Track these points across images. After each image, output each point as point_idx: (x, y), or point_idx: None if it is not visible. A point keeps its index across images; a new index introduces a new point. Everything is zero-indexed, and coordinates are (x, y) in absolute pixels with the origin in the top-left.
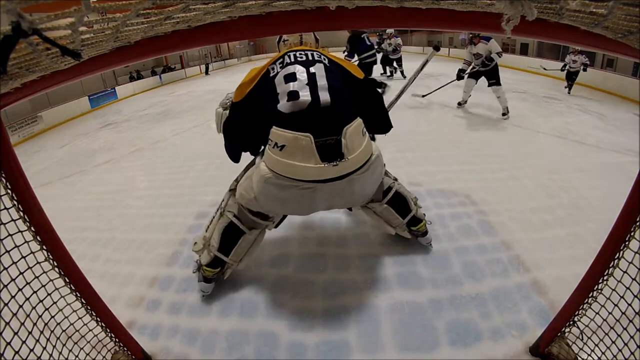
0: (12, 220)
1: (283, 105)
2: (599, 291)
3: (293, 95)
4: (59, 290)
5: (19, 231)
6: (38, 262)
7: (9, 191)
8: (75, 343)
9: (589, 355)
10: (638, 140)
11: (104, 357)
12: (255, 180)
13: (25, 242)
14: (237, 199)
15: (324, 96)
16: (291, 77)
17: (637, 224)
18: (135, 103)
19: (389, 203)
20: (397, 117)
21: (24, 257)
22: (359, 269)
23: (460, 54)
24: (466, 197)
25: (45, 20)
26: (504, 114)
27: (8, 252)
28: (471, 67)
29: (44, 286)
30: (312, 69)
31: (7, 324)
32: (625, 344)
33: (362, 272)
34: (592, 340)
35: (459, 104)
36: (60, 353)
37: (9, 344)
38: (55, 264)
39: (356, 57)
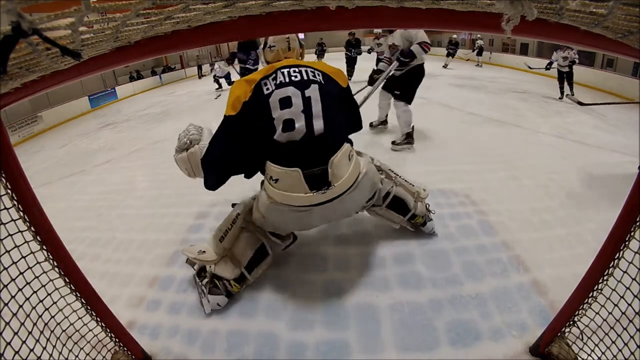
0: (12, 220)
1: (279, 135)
2: (599, 291)
3: (289, 125)
4: (59, 290)
5: (19, 231)
6: (38, 262)
7: (9, 191)
8: (75, 343)
9: (589, 355)
10: (638, 140)
11: (104, 357)
12: (260, 205)
13: (25, 242)
14: (255, 220)
15: (318, 125)
16: (286, 102)
17: (637, 224)
18: (135, 103)
19: (388, 206)
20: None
21: (24, 257)
22: (359, 269)
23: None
24: (466, 197)
25: (45, 20)
26: (394, 142)
27: (8, 252)
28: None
29: (44, 286)
30: (307, 92)
31: (7, 324)
32: (625, 344)
33: (362, 272)
34: (592, 340)
35: (371, 125)
36: (60, 353)
37: (9, 344)
38: (55, 264)
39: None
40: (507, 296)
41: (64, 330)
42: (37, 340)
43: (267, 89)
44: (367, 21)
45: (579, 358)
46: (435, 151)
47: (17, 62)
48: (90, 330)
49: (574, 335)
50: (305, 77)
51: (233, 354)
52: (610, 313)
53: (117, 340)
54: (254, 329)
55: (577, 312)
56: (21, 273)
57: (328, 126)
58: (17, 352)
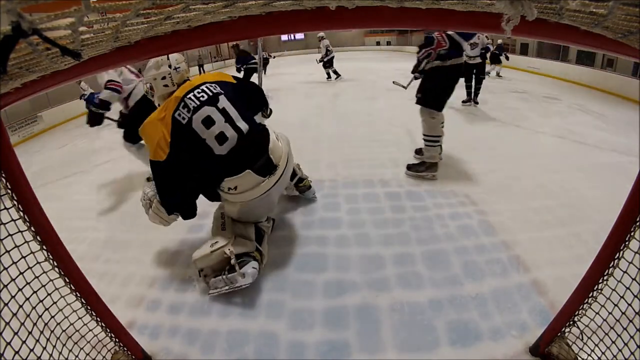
0: (12, 220)
1: (219, 149)
2: (599, 291)
3: (222, 138)
4: (59, 290)
5: (19, 231)
6: (38, 262)
7: (9, 191)
8: (75, 343)
9: (589, 355)
10: (638, 140)
11: (104, 357)
12: (230, 213)
13: (25, 242)
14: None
15: (242, 125)
16: (209, 121)
17: (637, 224)
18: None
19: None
20: (397, 117)
21: (24, 257)
22: (359, 269)
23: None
24: (466, 197)
25: (45, 20)
26: (409, 167)
27: (8, 252)
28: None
29: (44, 286)
30: (219, 105)
31: (7, 324)
32: (625, 344)
33: (362, 272)
34: (592, 340)
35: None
36: (60, 353)
37: (9, 344)
38: (55, 264)
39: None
40: (507, 296)
41: (64, 330)
42: (37, 340)
43: (184, 118)
44: (367, 21)
45: (579, 358)
46: None
47: (17, 62)
48: (90, 330)
49: (574, 335)
50: (211, 93)
51: (233, 354)
52: (610, 313)
53: (117, 340)
54: (254, 329)
55: (577, 312)
56: (21, 273)
57: (249, 122)
58: (17, 352)
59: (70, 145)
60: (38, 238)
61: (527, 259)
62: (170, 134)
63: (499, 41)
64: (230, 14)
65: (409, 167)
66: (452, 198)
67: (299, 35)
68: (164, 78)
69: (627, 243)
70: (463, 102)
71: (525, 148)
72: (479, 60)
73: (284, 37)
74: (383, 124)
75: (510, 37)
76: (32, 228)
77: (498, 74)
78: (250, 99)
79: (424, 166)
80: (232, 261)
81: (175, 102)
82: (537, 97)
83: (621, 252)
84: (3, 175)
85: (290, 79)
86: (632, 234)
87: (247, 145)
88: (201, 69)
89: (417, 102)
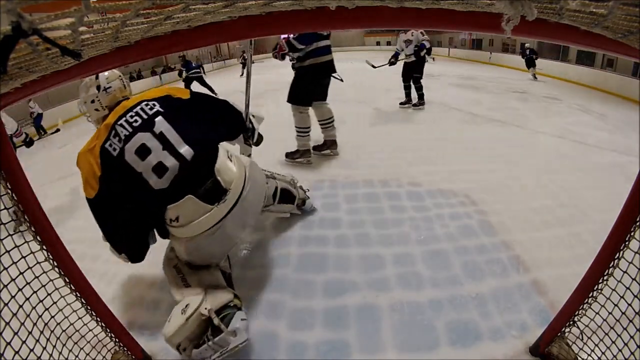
0: (12, 220)
1: (157, 182)
2: (599, 291)
3: (161, 169)
4: (59, 290)
5: (19, 231)
6: (38, 262)
7: (9, 191)
8: (75, 343)
9: (589, 355)
10: (638, 140)
11: (104, 357)
12: (180, 252)
13: (25, 242)
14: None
15: (186, 151)
16: (144, 151)
17: (637, 224)
18: None
19: (279, 202)
20: (397, 117)
21: (24, 257)
22: (359, 269)
23: (459, 54)
24: (466, 197)
25: (45, 20)
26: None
27: (8, 252)
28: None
29: (44, 286)
30: (156, 129)
31: (7, 324)
32: (625, 344)
33: (362, 272)
34: (592, 340)
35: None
36: (60, 353)
37: (9, 344)
38: (55, 264)
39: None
40: (507, 296)
41: (64, 330)
42: (37, 340)
43: (115, 149)
44: (367, 21)
45: (579, 358)
46: (436, 151)
47: (17, 62)
48: (90, 330)
49: (574, 335)
50: (146, 116)
51: (233, 353)
52: (610, 313)
53: (117, 340)
54: (254, 329)
55: (577, 312)
56: (21, 273)
57: (194, 144)
58: (17, 352)
59: (70, 145)
60: (38, 238)
61: (527, 259)
62: (100, 167)
63: (527, 45)
64: (230, 14)
65: (286, 155)
66: (452, 198)
67: None
68: (93, 102)
69: (627, 243)
70: (401, 104)
71: (525, 148)
72: (413, 58)
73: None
74: (383, 123)
75: (510, 37)
76: (32, 228)
77: (534, 77)
78: (206, 117)
79: (299, 153)
80: (215, 321)
81: (106, 131)
82: (537, 97)
83: (621, 252)
84: (3, 175)
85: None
86: (632, 234)
87: (190, 171)
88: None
89: (287, 100)
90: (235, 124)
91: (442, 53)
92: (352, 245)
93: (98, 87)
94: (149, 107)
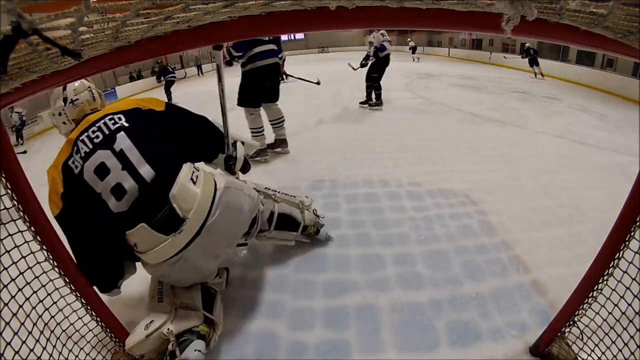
0: (12, 220)
1: (117, 205)
2: (599, 291)
3: (120, 191)
4: (59, 290)
5: (19, 231)
6: (38, 262)
7: (9, 191)
8: (75, 343)
9: (589, 355)
10: (638, 140)
11: (104, 357)
12: (152, 278)
13: (25, 242)
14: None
15: (146, 171)
16: (103, 170)
17: (637, 224)
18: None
19: (277, 228)
20: (397, 117)
21: (24, 257)
22: (359, 269)
23: (459, 53)
24: (466, 197)
25: (45, 20)
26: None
27: (8, 252)
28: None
29: (44, 286)
30: (116, 146)
31: (7, 324)
32: (625, 344)
33: (362, 272)
34: (592, 340)
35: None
36: (60, 353)
37: (9, 344)
38: (55, 264)
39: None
40: (507, 296)
41: (64, 330)
42: (37, 340)
43: (77, 167)
44: (367, 21)
45: (579, 358)
46: (436, 151)
47: (17, 62)
48: (90, 330)
49: (574, 335)
50: (107, 131)
51: (233, 354)
52: (610, 313)
53: (117, 340)
54: (254, 329)
55: (577, 312)
56: (21, 273)
57: (157, 164)
58: (17, 352)
59: None
60: (38, 238)
61: (527, 259)
62: (63, 185)
63: (527, 45)
64: (230, 14)
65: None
66: (452, 198)
67: (299, 35)
68: (60, 114)
69: (627, 243)
70: (360, 103)
71: (525, 148)
72: (372, 59)
73: (284, 37)
74: (383, 123)
75: (510, 37)
76: (32, 228)
77: (541, 74)
78: (178, 134)
79: (256, 153)
80: (170, 346)
81: (69, 147)
82: (537, 97)
83: (621, 252)
84: (3, 175)
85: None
86: (632, 234)
87: (150, 195)
88: (199, 69)
89: (237, 104)
90: (213, 144)
91: (442, 53)
92: (352, 245)
93: (65, 99)
94: (112, 121)
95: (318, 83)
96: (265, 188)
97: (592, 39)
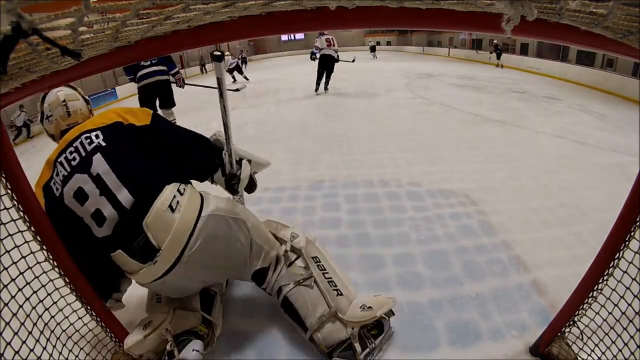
0: (12, 220)
1: (98, 230)
2: (599, 291)
3: (99, 217)
4: (59, 290)
5: (19, 231)
6: (38, 262)
7: (9, 191)
8: (75, 343)
9: (589, 355)
10: (638, 140)
11: (104, 357)
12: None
13: (25, 242)
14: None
15: (124, 197)
16: (82, 195)
17: (637, 224)
18: (135, 103)
19: (283, 305)
20: (397, 117)
21: (24, 257)
22: (359, 269)
23: (459, 53)
24: (466, 197)
25: (45, 20)
26: None
27: (8, 252)
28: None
29: (44, 286)
30: (93, 170)
31: (7, 324)
32: (625, 344)
33: (362, 272)
34: (592, 340)
35: None
36: (60, 353)
37: (9, 344)
38: (55, 264)
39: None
40: (507, 296)
41: (64, 330)
42: (37, 340)
43: (57, 189)
44: (367, 21)
45: (579, 358)
46: (436, 151)
47: (17, 62)
48: (90, 330)
49: (574, 335)
50: (84, 153)
51: (233, 354)
52: (610, 313)
53: (117, 340)
54: (254, 329)
55: (577, 312)
56: (21, 273)
57: (136, 189)
58: (17, 352)
59: None
60: (38, 238)
61: (527, 259)
62: (45, 206)
63: (495, 41)
64: (230, 14)
65: None
66: (452, 198)
67: (299, 35)
68: (45, 130)
69: (627, 243)
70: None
71: (525, 148)
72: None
73: (284, 37)
74: (383, 123)
75: (510, 37)
76: (32, 228)
77: (501, 65)
78: (161, 152)
79: None
80: (168, 346)
81: (48, 169)
82: (537, 97)
83: (621, 252)
84: (3, 175)
85: (289, 79)
86: (632, 234)
87: (129, 220)
88: (203, 68)
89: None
90: (203, 162)
91: (442, 53)
92: (352, 245)
93: (41, 114)
94: (88, 140)
95: (237, 90)
96: (293, 236)
97: (592, 39)
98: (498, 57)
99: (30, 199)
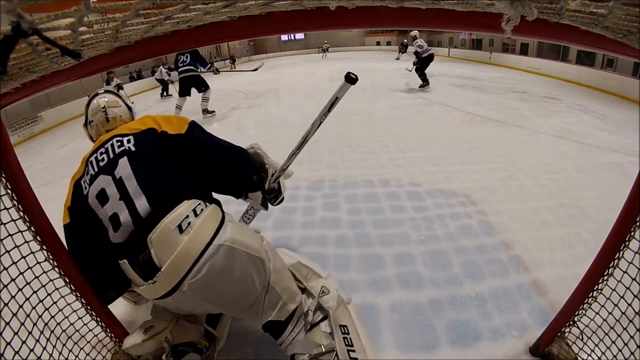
0: (12, 220)
1: (114, 236)
2: (599, 291)
3: (115, 222)
4: (59, 290)
5: (19, 231)
6: (38, 262)
7: (9, 191)
8: (75, 343)
9: (589, 355)
10: (638, 140)
11: (104, 357)
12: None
13: (25, 242)
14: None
15: (142, 205)
16: (103, 197)
17: (637, 224)
18: (135, 103)
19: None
20: (397, 117)
21: (24, 257)
22: (359, 269)
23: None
24: (466, 197)
25: (45, 20)
26: None
27: (8, 252)
28: None
29: (44, 286)
30: (117, 173)
31: (7, 324)
32: (625, 344)
33: (362, 272)
34: (592, 340)
35: None
36: (60, 353)
37: (9, 344)
38: (55, 264)
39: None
40: (507, 296)
41: (64, 330)
42: (37, 340)
43: (85, 188)
44: (367, 21)
45: (579, 358)
46: (436, 151)
47: (17, 62)
48: (90, 330)
49: (574, 335)
50: (112, 155)
51: (233, 354)
52: (610, 313)
53: (117, 340)
54: (254, 329)
55: (577, 312)
56: (21, 273)
57: (155, 199)
58: (17, 352)
59: (70, 145)
60: (38, 238)
61: (527, 259)
62: (71, 199)
63: (405, 41)
64: (230, 14)
65: None
66: (452, 198)
67: (299, 35)
68: (87, 134)
69: (627, 243)
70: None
71: (525, 148)
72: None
73: (284, 37)
74: (383, 123)
75: (510, 37)
76: (32, 228)
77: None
78: (190, 163)
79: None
80: (164, 356)
81: (82, 166)
82: (537, 97)
83: (621, 252)
84: (3, 175)
85: (290, 79)
86: (632, 234)
87: (142, 231)
88: (233, 62)
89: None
90: (237, 178)
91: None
92: (352, 245)
93: (86, 119)
94: (119, 143)
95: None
96: (323, 291)
97: (592, 39)
98: (400, 53)
99: (30, 199)
